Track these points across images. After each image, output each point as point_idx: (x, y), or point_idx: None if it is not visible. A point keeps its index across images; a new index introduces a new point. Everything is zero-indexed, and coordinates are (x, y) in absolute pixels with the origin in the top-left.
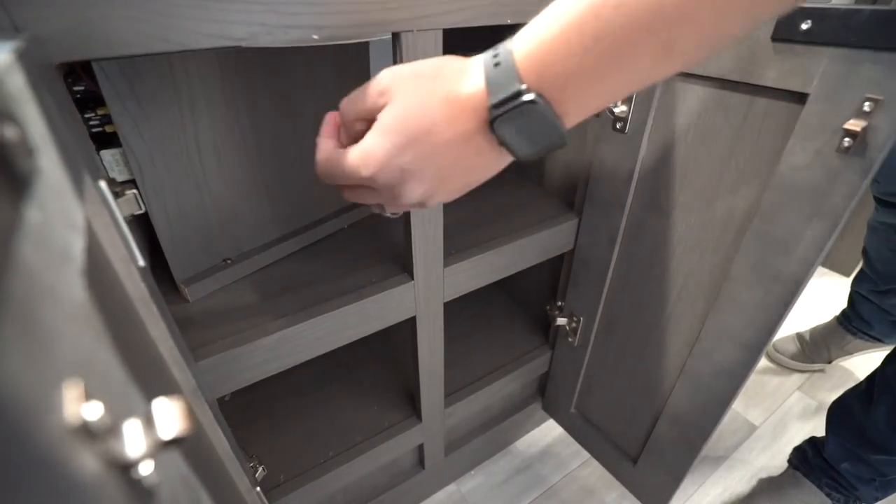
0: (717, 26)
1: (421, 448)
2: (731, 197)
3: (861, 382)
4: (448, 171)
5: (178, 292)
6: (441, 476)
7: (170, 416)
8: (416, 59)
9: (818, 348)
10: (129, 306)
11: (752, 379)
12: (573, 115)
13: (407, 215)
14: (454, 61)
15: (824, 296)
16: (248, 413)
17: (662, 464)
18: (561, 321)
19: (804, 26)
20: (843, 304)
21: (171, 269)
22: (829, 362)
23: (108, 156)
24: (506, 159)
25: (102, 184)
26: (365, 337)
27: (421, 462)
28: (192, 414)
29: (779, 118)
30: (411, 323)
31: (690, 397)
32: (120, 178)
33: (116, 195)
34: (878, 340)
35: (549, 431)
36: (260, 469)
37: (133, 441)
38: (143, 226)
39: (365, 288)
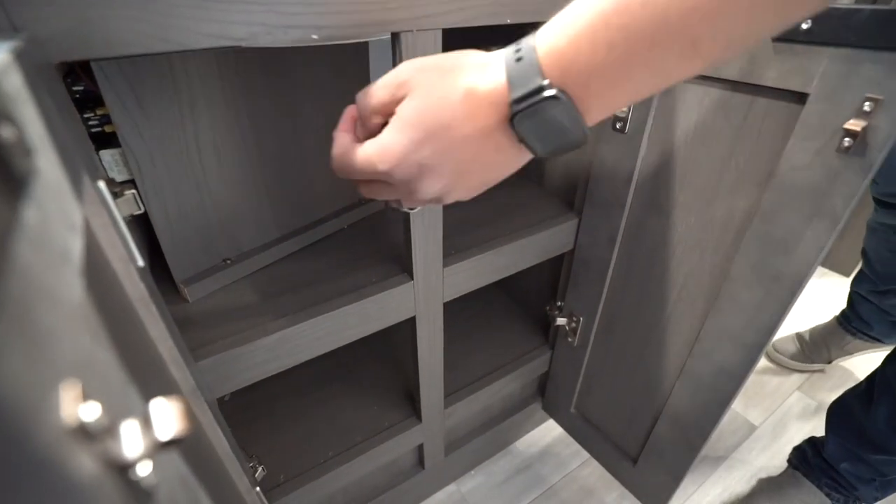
0: (749, 25)
1: (421, 448)
2: (731, 197)
3: (861, 382)
4: (467, 166)
5: (178, 292)
6: (441, 476)
7: (168, 417)
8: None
9: (818, 348)
10: (128, 306)
11: (752, 379)
12: (595, 112)
13: (406, 216)
14: (475, 55)
15: (824, 296)
16: (247, 413)
17: (662, 464)
18: (561, 321)
19: (804, 26)
20: (843, 305)
21: (170, 269)
22: (829, 362)
23: (108, 156)
24: (524, 157)
25: (101, 184)
26: (365, 337)
27: (421, 462)
28: (190, 414)
29: (779, 118)
30: (411, 323)
31: (690, 397)
32: (119, 178)
33: (115, 195)
34: (877, 341)
35: (549, 431)
36: (260, 469)
37: (131, 441)
38: (142, 226)
39: (365, 288)
